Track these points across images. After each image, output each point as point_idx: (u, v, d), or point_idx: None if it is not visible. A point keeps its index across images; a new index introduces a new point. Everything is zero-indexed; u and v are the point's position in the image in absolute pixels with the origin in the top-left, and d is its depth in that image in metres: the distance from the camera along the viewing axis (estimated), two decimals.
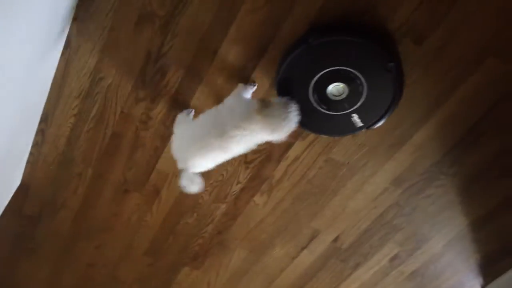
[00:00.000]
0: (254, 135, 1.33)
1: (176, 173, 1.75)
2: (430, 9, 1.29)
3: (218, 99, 1.50)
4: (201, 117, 1.42)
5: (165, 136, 1.67)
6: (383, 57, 1.33)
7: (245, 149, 1.38)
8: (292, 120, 1.32)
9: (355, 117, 1.43)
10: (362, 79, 1.35)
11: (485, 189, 1.68)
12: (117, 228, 2.02)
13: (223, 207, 1.86)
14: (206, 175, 1.73)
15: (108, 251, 2.14)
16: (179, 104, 1.57)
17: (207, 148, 1.36)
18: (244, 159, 1.69)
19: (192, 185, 1.44)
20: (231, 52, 1.42)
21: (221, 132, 1.32)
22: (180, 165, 1.44)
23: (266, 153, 1.66)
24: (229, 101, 1.39)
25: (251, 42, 1.40)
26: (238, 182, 1.76)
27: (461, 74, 1.41)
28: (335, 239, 1.90)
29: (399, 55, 1.39)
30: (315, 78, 1.36)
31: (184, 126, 1.49)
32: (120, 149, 1.75)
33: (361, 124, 1.43)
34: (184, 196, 1.84)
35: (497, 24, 1.29)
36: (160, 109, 1.61)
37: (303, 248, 1.96)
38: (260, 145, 1.59)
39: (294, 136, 1.59)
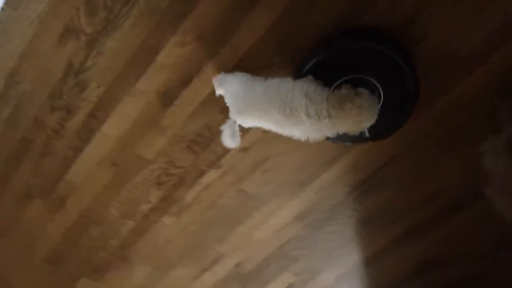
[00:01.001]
0: (328, 125, 1.23)
1: (86, 185, 1.73)
2: None
3: (134, 123, 1.51)
4: (271, 83, 1.28)
5: (78, 147, 1.65)
6: (407, 75, 1.32)
7: (303, 136, 1.27)
8: (376, 116, 1.27)
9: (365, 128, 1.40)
10: (381, 91, 1.34)
11: (377, 231, 1.84)
12: (15, 233, 1.94)
13: (130, 223, 1.85)
14: (115, 191, 1.74)
15: (2, 256, 2.05)
16: (96, 120, 1.55)
17: (266, 117, 1.26)
18: (157, 180, 1.70)
19: (231, 138, 1.34)
20: (154, 80, 1.44)
21: (290, 112, 1.22)
22: (231, 114, 1.32)
23: (179, 177, 1.69)
24: (302, 85, 1.25)
25: (176, 73, 1.42)
26: (149, 202, 1.77)
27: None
28: (238, 264, 1.97)
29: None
30: (336, 84, 1.32)
31: (249, 80, 1.32)
32: (28, 155, 1.69)
33: (368, 136, 1.40)
34: (90, 209, 1.81)
35: None
36: (75, 121, 1.58)
37: (205, 270, 2.01)
38: (174, 169, 1.66)
39: (208, 165, 1.64)
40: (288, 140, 1.55)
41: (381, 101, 1.34)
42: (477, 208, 1.71)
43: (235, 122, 1.31)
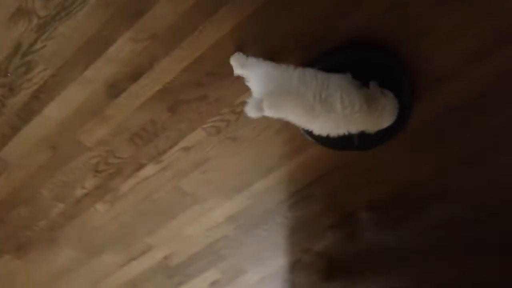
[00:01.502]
0: (357, 119, 1.25)
1: (20, 165, 1.70)
2: None
3: (77, 110, 1.51)
4: (306, 70, 1.27)
5: (16, 126, 1.60)
6: (405, 90, 1.38)
7: (331, 129, 1.29)
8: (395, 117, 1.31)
9: (355, 137, 1.41)
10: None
11: (304, 240, 1.94)
12: None
13: (61, 206, 1.83)
14: (50, 173, 1.72)
15: None
16: (38, 101, 1.53)
17: (299, 101, 1.23)
18: (94, 168, 1.70)
19: (257, 111, 1.27)
20: (102, 71, 1.43)
21: (325, 99, 1.22)
22: (260, 96, 1.27)
23: (117, 167, 1.69)
24: (337, 76, 1.27)
25: (126, 67, 1.43)
26: (83, 187, 1.76)
27: (300, 148, 1.63)
28: (166, 257, 2.00)
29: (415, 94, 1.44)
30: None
31: (280, 66, 1.29)
32: None
33: (356, 145, 1.43)
34: (22, 188, 1.78)
35: None
36: (17, 100, 1.54)
37: (133, 259, 2.02)
38: (113, 159, 1.67)
39: (148, 159, 1.66)
40: (231, 144, 1.63)
41: None
42: None
43: (261, 102, 1.25)
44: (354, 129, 1.29)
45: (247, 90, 1.48)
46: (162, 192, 1.77)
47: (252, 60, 1.33)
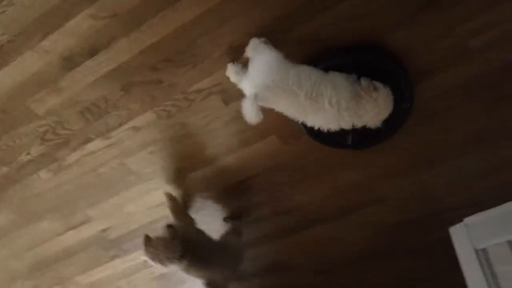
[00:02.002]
0: (345, 117, 1.31)
1: None
2: None
3: (31, 78, 1.52)
4: (302, 68, 1.32)
5: None
6: (405, 96, 1.43)
7: (322, 125, 1.34)
8: (391, 109, 1.34)
9: (350, 136, 1.49)
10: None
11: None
12: None
13: (4, 169, 1.83)
14: None
15: None
16: None
17: (291, 99, 1.29)
18: (42, 136, 1.71)
19: (254, 113, 1.28)
20: (59, 43, 1.45)
21: (315, 98, 1.27)
22: (255, 87, 1.31)
23: (65, 138, 1.71)
24: (331, 76, 1.32)
25: (83, 43, 1.45)
26: (28, 154, 1.77)
27: (253, 140, 1.71)
28: (104, 230, 2.04)
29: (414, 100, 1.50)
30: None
31: (282, 60, 1.32)
32: None
33: (350, 143, 1.48)
34: None
35: None
36: None
37: (71, 229, 2.05)
38: (61, 130, 1.68)
39: (97, 134, 1.69)
40: (180, 129, 1.68)
41: None
42: (322, 229, 1.97)
43: (255, 97, 1.28)
44: (345, 125, 1.34)
45: (201, 79, 1.55)
46: (107, 168, 1.80)
47: (263, 48, 1.36)
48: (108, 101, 1.60)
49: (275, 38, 1.42)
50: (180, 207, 1.84)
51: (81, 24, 1.40)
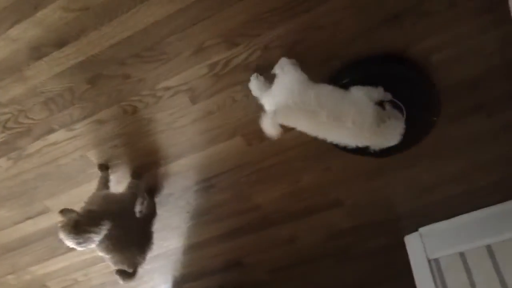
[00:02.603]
0: (363, 136, 1.35)
1: None
2: None
3: None
4: (323, 88, 1.37)
5: None
6: (435, 110, 1.50)
7: (343, 141, 1.39)
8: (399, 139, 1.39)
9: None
10: (405, 114, 1.45)
11: (201, 226, 2.05)
12: None
13: None
14: None
15: None
16: None
17: (313, 119, 1.33)
18: (3, 124, 1.68)
19: (270, 129, 1.33)
20: (28, 32, 1.43)
21: (338, 118, 1.32)
22: (275, 107, 1.35)
23: (27, 128, 1.69)
24: (357, 94, 1.37)
25: (52, 33, 1.44)
26: None
27: (218, 139, 1.73)
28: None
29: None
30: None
31: (305, 82, 1.37)
32: None
33: (372, 152, 1.48)
34: None
35: None
36: None
37: (28, 218, 2.02)
38: (24, 118, 1.66)
39: (60, 125, 1.68)
40: (146, 125, 1.69)
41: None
42: (279, 230, 2.03)
43: (275, 114, 1.33)
44: (362, 143, 1.39)
45: (170, 77, 1.56)
46: (68, 159, 1.79)
47: (289, 68, 1.40)
48: (74, 93, 1.59)
49: (243, 41, 1.45)
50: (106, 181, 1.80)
51: (51, 15, 1.39)
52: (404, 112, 1.46)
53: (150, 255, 2.11)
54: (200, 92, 1.59)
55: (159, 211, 1.94)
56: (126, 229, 1.65)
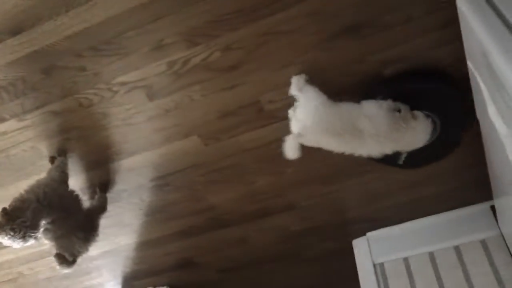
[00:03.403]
0: (386, 144, 1.37)
1: None
2: None
3: None
4: (343, 107, 1.40)
5: None
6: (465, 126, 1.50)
7: (369, 153, 1.40)
8: (428, 137, 1.38)
9: (403, 156, 1.51)
10: (438, 132, 1.46)
11: (154, 224, 2.04)
12: None
13: None
14: None
15: None
16: None
17: (337, 138, 1.37)
18: None
19: (293, 151, 1.40)
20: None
21: (358, 134, 1.35)
22: (298, 130, 1.41)
23: None
24: (370, 108, 1.39)
25: (8, 21, 1.41)
26: None
27: (174, 138, 1.72)
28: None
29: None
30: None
31: (326, 103, 1.40)
32: None
33: (401, 163, 1.49)
34: None
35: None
36: None
37: None
38: None
39: (11, 115, 1.64)
40: (101, 119, 1.67)
41: (437, 134, 1.48)
42: (232, 231, 2.04)
43: (298, 136, 1.40)
44: (385, 151, 1.41)
45: (127, 72, 1.55)
46: (18, 150, 1.75)
47: (308, 89, 1.44)
48: (26, 82, 1.56)
49: (204, 41, 1.46)
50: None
51: (7, 1, 1.36)
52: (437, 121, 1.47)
53: (100, 250, 2.11)
54: (157, 89, 1.58)
55: (112, 206, 1.92)
56: (64, 213, 1.61)
